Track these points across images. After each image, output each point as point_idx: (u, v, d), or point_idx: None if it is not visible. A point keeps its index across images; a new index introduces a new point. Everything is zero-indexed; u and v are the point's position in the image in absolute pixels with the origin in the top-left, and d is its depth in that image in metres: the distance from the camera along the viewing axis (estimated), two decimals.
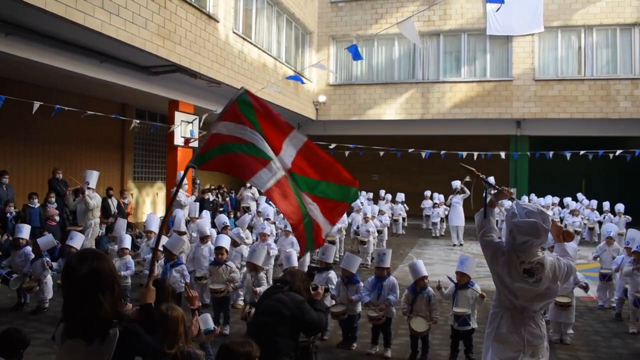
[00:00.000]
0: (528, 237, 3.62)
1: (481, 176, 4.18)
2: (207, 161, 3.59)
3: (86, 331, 2.59)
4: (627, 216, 14.84)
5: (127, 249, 8.40)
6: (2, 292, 8.97)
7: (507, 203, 16.86)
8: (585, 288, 7.17)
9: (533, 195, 17.72)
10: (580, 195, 17.81)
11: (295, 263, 7.47)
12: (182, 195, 12.22)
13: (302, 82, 11.44)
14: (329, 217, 3.81)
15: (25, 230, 8.50)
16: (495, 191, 4.12)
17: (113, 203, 13.32)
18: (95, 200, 11.40)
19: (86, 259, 2.69)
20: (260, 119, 3.64)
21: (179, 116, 13.32)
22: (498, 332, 3.74)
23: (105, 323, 2.61)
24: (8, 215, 10.84)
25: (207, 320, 4.08)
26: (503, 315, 3.76)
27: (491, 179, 18.03)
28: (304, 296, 4.38)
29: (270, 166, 3.63)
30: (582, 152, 16.70)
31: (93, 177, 11.41)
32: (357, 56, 9.75)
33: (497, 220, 16.16)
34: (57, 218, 11.37)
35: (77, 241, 7.98)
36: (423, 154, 17.45)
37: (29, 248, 8.32)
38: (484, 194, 4.04)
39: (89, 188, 11.23)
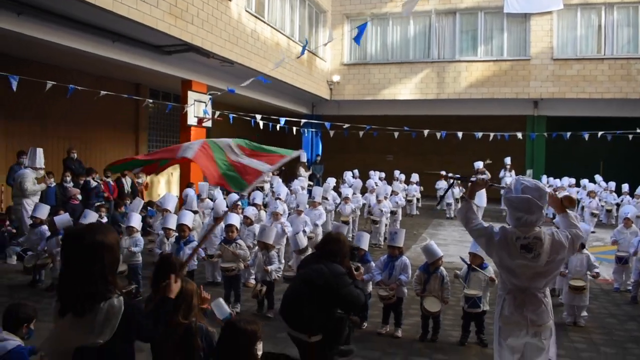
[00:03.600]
0: (520, 213, 3.64)
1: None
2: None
3: (77, 305, 2.57)
4: None
5: (134, 227, 8.32)
6: (19, 269, 9.10)
7: (509, 180, 16.70)
8: (595, 277, 7.16)
9: (549, 177, 17.48)
10: (598, 177, 17.50)
11: (305, 244, 7.50)
12: None
13: (305, 44, 11.42)
14: (265, 161, 3.55)
15: (42, 210, 8.65)
16: (471, 183, 4.11)
17: (127, 183, 13.40)
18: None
19: (91, 231, 2.69)
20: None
21: (192, 96, 13.28)
22: (502, 314, 3.77)
23: (96, 295, 2.58)
24: None
25: (221, 307, 4.06)
26: (505, 297, 3.77)
27: (507, 160, 17.67)
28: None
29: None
30: (600, 133, 16.43)
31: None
32: (358, 39, 9.55)
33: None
34: (80, 197, 11.50)
35: (91, 220, 8.02)
36: (438, 135, 17.28)
37: (45, 227, 8.46)
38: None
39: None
